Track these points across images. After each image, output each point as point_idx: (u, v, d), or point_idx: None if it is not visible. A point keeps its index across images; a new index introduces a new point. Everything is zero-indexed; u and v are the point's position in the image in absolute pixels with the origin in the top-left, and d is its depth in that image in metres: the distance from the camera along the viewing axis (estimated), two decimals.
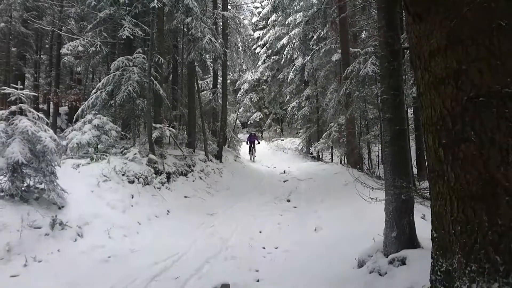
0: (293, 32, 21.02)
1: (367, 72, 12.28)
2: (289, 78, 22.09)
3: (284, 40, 22.45)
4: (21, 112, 6.03)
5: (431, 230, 2.16)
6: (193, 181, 9.72)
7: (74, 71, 19.83)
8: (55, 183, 5.93)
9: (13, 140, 5.59)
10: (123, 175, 7.48)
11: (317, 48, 18.93)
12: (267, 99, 29.70)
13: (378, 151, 16.76)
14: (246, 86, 30.99)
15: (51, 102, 18.63)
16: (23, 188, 5.67)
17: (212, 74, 17.92)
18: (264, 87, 30.70)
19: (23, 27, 14.30)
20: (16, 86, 5.98)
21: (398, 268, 4.11)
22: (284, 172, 14.97)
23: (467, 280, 1.84)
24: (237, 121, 23.56)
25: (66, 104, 20.22)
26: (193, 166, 10.31)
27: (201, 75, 17.79)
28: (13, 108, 5.85)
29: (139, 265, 5.17)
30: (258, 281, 5.09)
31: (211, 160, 11.97)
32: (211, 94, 16.85)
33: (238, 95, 31.01)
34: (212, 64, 14.81)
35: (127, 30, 9.63)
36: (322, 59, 18.80)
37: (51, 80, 18.39)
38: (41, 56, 19.07)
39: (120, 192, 7.06)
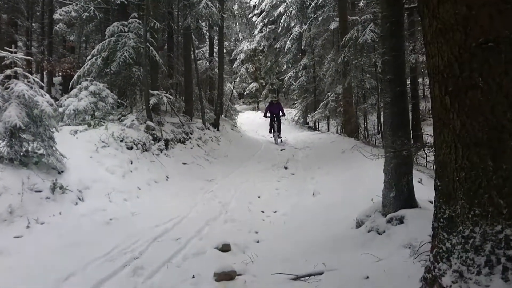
0: None
1: (365, 40, 12.16)
2: (286, 48, 21.79)
3: (281, 8, 22.05)
4: (16, 77, 5.93)
5: (435, 179, 2.19)
6: (191, 148, 9.73)
7: (67, 39, 19.44)
8: (53, 148, 5.92)
9: (10, 104, 5.53)
10: (121, 141, 7.47)
11: (315, 16, 18.63)
12: (264, 69, 29.36)
13: (375, 119, 16.83)
14: (242, 56, 30.56)
15: (44, 72, 18.31)
16: (22, 153, 5.65)
17: (208, 42, 17.63)
18: (261, 57, 30.29)
19: None
20: (10, 49, 5.86)
21: (396, 227, 4.20)
22: (281, 141, 15.00)
23: (470, 224, 1.89)
24: (234, 91, 23.36)
25: (60, 74, 19.91)
26: (191, 134, 10.30)
27: (197, 44, 17.50)
28: (8, 72, 5.75)
29: (141, 227, 5.25)
30: (258, 242, 5.19)
31: (208, 129, 11.96)
32: (207, 63, 16.65)
33: (234, 65, 30.62)
34: (208, 32, 14.55)
35: None
36: (320, 28, 18.53)
37: (44, 49, 18.02)
38: (33, 24, 18.63)
39: (119, 158, 7.07)
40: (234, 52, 31.45)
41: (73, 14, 10.25)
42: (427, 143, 4.51)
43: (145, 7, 8.68)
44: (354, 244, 4.33)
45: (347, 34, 12.82)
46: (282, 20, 21.65)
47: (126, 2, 9.76)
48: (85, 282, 3.78)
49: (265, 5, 25.15)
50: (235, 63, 30.72)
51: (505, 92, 1.79)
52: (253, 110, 30.39)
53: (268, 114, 14.78)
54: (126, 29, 9.21)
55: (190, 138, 10.07)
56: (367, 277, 3.47)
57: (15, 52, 5.88)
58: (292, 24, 21.04)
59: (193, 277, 3.98)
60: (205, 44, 18.97)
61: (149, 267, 4.17)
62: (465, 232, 1.90)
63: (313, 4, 18.80)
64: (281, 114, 14.84)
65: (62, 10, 10.32)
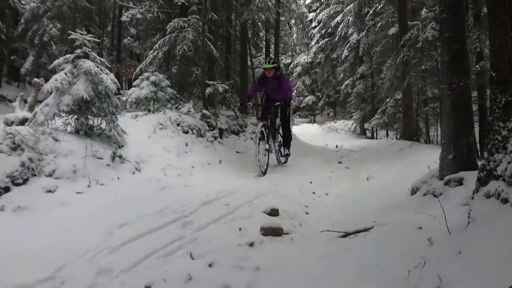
0: (347, 8, 20.55)
1: (426, 38, 11.71)
2: (343, 56, 21.60)
3: (338, 18, 22.01)
4: (86, 56, 6.41)
5: (490, 71, 2.05)
6: (245, 140, 9.86)
7: (134, 52, 20.96)
8: (115, 123, 6.28)
9: (78, 79, 5.97)
10: (177, 125, 7.76)
11: (373, 23, 18.35)
12: (320, 81, 29.23)
13: (436, 129, 16.01)
14: (299, 69, 30.75)
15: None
16: (87, 126, 6.05)
17: (264, 51, 18.00)
18: (317, 69, 30.23)
19: (87, 2, 15.15)
20: (81, 32, 6.37)
21: (454, 189, 3.93)
22: (336, 146, 14.70)
23: None
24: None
25: (126, 82, 21.31)
26: (245, 127, 10.46)
27: (253, 53, 17.93)
28: (78, 51, 6.24)
29: (192, 195, 5.38)
30: (307, 213, 5.08)
31: None
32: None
33: (290, 79, 30.84)
34: (264, 36, 14.83)
35: None
36: (378, 34, 18.18)
37: (113, 58, 19.55)
38: (104, 39, 20.30)
39: (175, 139, 7.33)
40: (291, 66, 31.75)
41: (139, 16, 10.94)
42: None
43: (204, 1, 9.08)
44: (408, 207, 4.12)
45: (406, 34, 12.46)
46: (339, 29, 21.57)
47: (187, 4, 10.23)
48: (136, 230, 3.95)
49: (322, 16, 25.21)
50: (292, 76, 30.92)
51: None
52: (309, 122, 30.26)
53: (252, 102, 7.99)
54: (186, 24, 9.67)
55: (244, 131, 10.23)
56: (420, 228, 3.28)
57: (85, 35, 6.38)
58: (350, 32, 20.89)
59: (240, 229, 3.99)
60: (261, 54, 19.42)
61: (197, 222, 4.26)
62: None
63: (371, 11, 18.55)
64: (281, 101, 7.52)
65: (129, 13, 11.08)
